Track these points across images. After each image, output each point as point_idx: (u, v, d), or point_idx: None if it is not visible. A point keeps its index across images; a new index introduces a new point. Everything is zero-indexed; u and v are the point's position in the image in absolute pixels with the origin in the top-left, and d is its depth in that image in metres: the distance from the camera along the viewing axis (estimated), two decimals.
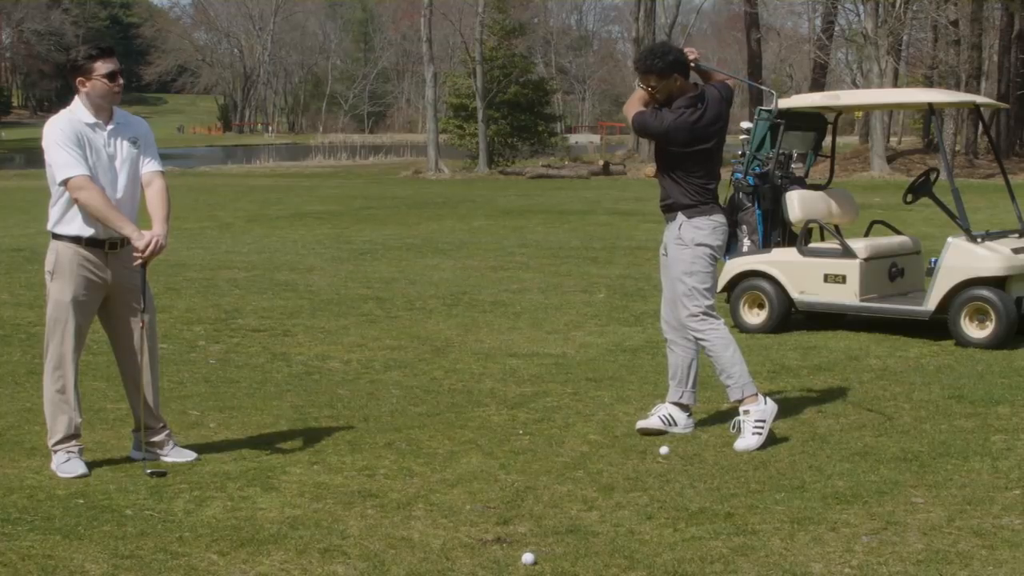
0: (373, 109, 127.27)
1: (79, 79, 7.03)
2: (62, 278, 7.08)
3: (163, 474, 6.94)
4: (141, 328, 7.14)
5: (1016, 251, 11.25)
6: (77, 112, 7.05)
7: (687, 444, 7.64)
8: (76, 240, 7.05)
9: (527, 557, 5.51)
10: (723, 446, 7.58)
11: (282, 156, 75.66)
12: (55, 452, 7.06)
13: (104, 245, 7.04)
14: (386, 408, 8.72)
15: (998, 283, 11.10)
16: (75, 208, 7.03)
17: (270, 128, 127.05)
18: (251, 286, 15.29)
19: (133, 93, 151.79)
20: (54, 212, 7.11)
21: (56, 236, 7.13)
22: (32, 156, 72.01)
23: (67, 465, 6.98)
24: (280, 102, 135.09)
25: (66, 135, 6.94)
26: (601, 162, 52.96)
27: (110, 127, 7.05)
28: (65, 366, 7.07)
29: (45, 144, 7.02)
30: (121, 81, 7.05)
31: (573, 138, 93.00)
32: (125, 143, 7.09)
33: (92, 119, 7.01)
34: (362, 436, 7.84)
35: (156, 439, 7.30)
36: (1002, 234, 11.76)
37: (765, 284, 11.98)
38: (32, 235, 22.03)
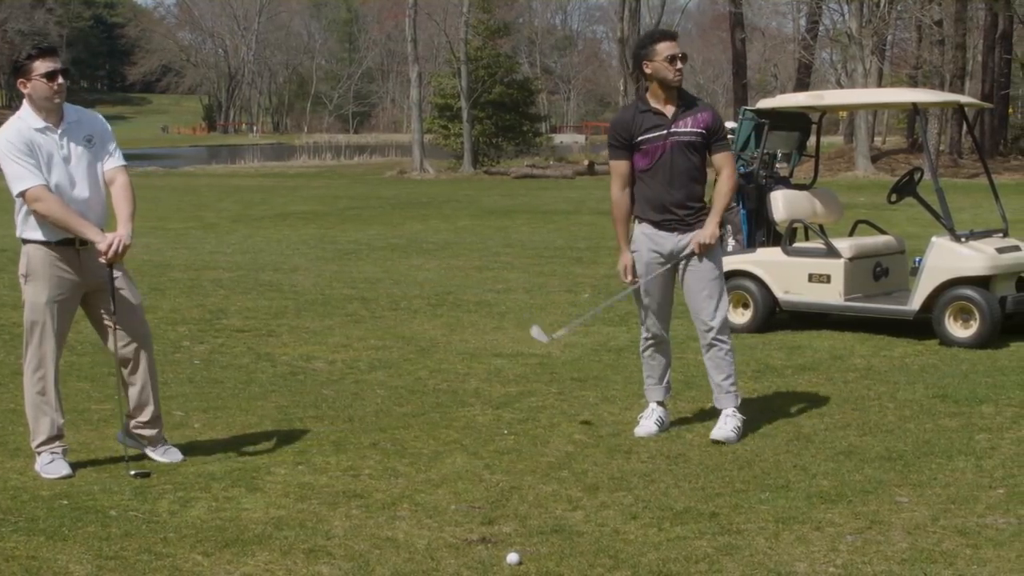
0: (358, 109, 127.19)
1: (20, 80, 6.91)
2: (36, 280, 7.00)
3: (147, 475, 6.92)
4: (113, 330, 7.09)
5: (1000, 251, 11.28)
6: (26, 118, 6.92)
7: (672, 444, 7.64)
8: (46, 243, 6.98)
9: (512, 557, 5.50)
10: (708, 446, 7.59)
11: (267, 156, 75.52)
12: (39, 453, 7.04)
13: (75, 243, 6.96)
14: (371, 408, 8.71)
15: (982, 282, 11.13)
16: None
17: (255, 128, 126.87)
18: (236, 286, 15.27)
19: (117, 93, 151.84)
20: (19, 219, 7.02)
21: (26, 241, 7.05)
22: None
23: (51, 466, 6.97)
24: (265, 102, 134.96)
25: (15, 146, 6.82)
26: (586, 162, 52.98)
27: (61, 128, 6.93)
28: (45, 367, 7.03)
29: None
30: (62, 81, 6.87)
31: (558, 138, 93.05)
32: (79, 143, 6.98)
33: (41, 123, 6.90)
34: (347, 436, 7.84)
35: (148, 433, 7.28)
36: (986, 233, 11.78)
37: (750, 284, 11.99)
38: (14, 236, 21.97)
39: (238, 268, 17.27)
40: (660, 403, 8.11)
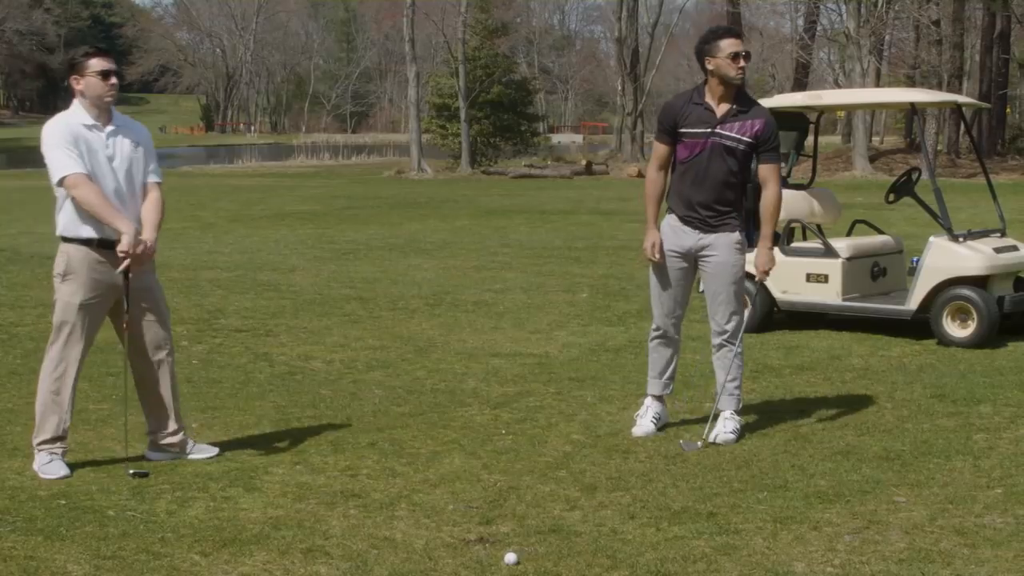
0: (356, 109, 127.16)
1: (74, 76, 7.03)
2: (73, 281, 7.00)
3: (145, 475, 6.92)
4: (124, 327, 7.11)
5: (998, 250, 11.29)
6: (75, 114, 7.03)
7: (670, 444, 7.64)
8: (87, 243, 6.98)
9: (510, 557, 5.50)
10: (706, 446, 7.58)
11: (264, 156, 75.49)
12: (38, 451, 7.03)
13: (115, 246, 6.97)
14: (369, 408, 8.71)
15: (980, 282, 11.13)
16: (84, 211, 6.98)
17: (252, 128, 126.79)
18: (233, 286, 15.26)
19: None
20: (62, 217, 7.01)
21: (66, 239, 7.03)
22: (14, 156, 71.80)
23: (50, 466, 6.97)
24: (262, 102, 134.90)
25: (62, 135, 6.91)
26: (584, 162, 53.02)
27: (109, 128, 7.03)
28: (67, 369, 7.05)
29: (43, 148, 6.97)
30: (115, 81, 7.02)
31: (556, 138, 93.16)
32: (125, 145, 7.06)
33: (90, 120, 6.99)
34: (344, 436, 7.84)
35: (175, 440, 7.31)
36: (984, 233, 11.79)
37: (747, 283, 11.96)
38: (14, 235, 21.98)
39: (236, 268, 17.26)
40: (657, 398, 8.10)
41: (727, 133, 7.62)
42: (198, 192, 38.12)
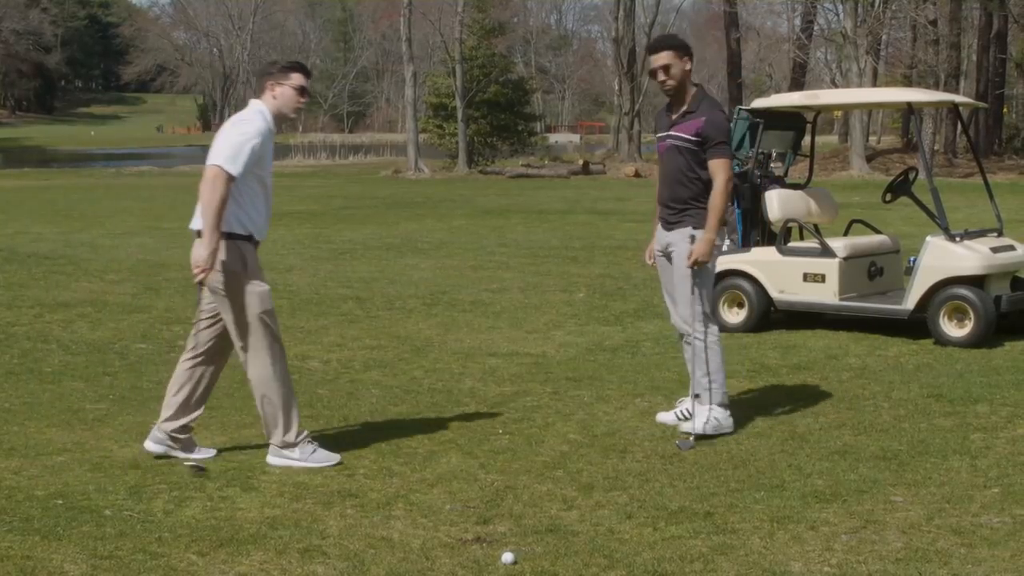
0: (353, 109, 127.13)
1: (270, 83, 7.15)
2: (254, 275, 7.12)
3: (203, 470, 6.97)
4: (195, 329, 7.29)
5: (995, 250, 11.29)
6: (267, 116, 7.13)
7: (667, 443, 7.65)
8: (249, 238, 7.11)
9: (507, 557, 5.50)
10: (703, 445, 7.59)
11: None
12: (294, 446, 7.12)
13: (253, 238, 7.11)
14: (366, 408, 8.71)
15: (977, 282, 11.14)
16: (255, 205, 7.08)
17: None
18: None
19: (112, 92, 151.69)
20: (230, 213, 7.02)
21: (232, 236, 7.06)
22: (11, 156, 71.74)
23: (317, 455, 7.14)
24: None
25: (258, 137, 7.00)
26: (581, 161, 53.00)
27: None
28: (284, 359, 7.26)
29: (235, 131, 7.02)
30: (306, 99, 7.28)
31: (553, 137, 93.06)
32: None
33: (273, 126, 7.13)
34: (342, 436, 7.83)
35: (183, 437, 7.30)
36: (981, 233, 11.79)
37: (745, 283, 11.99)
38: (11, 235, 21.98)
39: None
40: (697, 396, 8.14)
41: (676, 134, 8.00)
42: (195, 192, 38.03)
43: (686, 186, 7.95)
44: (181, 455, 7.23)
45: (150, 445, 7.29)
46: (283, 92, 7.16)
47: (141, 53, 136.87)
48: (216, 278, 7.03)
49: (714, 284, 11.97)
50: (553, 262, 18.09)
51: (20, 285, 15.13)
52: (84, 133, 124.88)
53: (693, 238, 7.88)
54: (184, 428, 7.29)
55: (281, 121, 7.24)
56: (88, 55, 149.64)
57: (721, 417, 7.88)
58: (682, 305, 8.02)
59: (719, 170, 7.87)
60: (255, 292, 7.09)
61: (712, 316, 8.11)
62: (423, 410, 8.64)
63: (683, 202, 7.96)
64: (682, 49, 7.98)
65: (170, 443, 7.25)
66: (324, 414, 8.49)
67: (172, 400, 7.32)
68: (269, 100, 7.17)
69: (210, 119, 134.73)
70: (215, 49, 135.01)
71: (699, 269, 7.89)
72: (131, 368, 10.15)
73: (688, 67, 7.96)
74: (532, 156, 61.41)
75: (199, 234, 7.04)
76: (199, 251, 6.91)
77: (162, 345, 11.21)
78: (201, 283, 6.99)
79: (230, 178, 6.87)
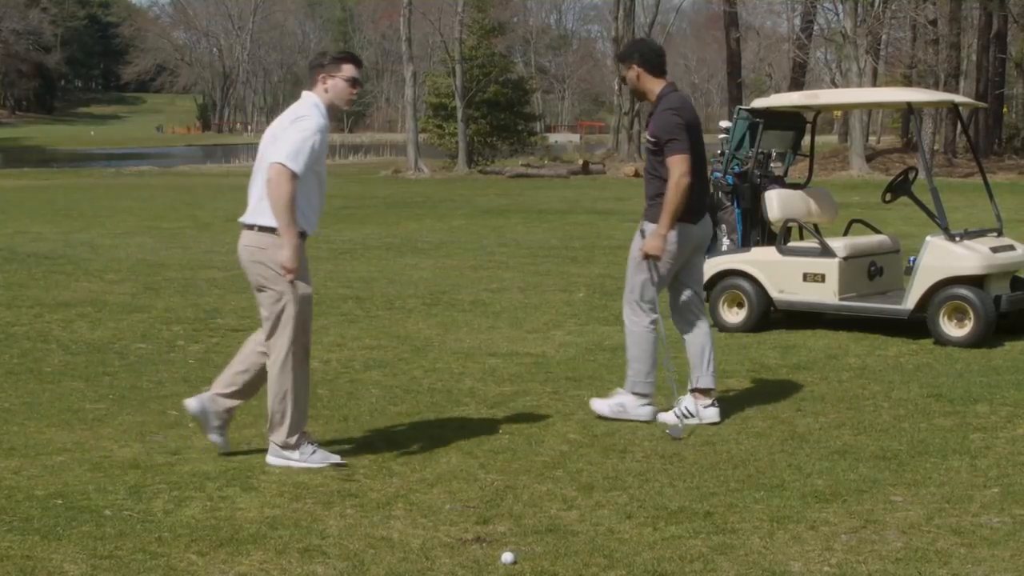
0: (352, 108, 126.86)
1: (322, 75, 7.10)
2: (303, 275, 7.09)
3: (344, 466, 7.04)
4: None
5: (994, 250, 11.29)
6: (323, 112, 7.09)
7: (667, 443, 7.65)
8: (303, 234, 7.04)
9: (507, 556, 5.50)
10: (703, 444, 7.59)
11: None
12: (293, 447, 7.11)
13: (304, 235, 7.08)
14: (365, 408, 8.71)
15: (977, 282, 11.13)
16: (309, 202, 7.05)
17: (249, 127, 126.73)
18: (230, 286, 15.24)
19: (112, 92, 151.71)
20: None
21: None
22: (11, 156, 71.72)
23: (316, 456, 7.12)
24: (259, 101, 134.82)
25: (322, 134, 6.98)
26: (581, 161, 53.04)
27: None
28: (305, 360, 7.22)
29: (296, 129, 6.97)
30: (358, 90, 7.22)
31: (553, 137, 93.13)
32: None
33: (327, 121, 7.08)
34: (342, 436, 7.83)
35: (224, 420, 7.36)
36: (980, 233, 11.79)
37: (744, 283, 11.99)
38: (10, 235, 21.98)
39: (233, 267, 17.20)
40: (700, 391, 8.31)
41: (646, 134, 8.42)
42: (195, 192, 38.11)
43: (651, 184, 8.28)
44: (212, 423, 7.28)
45: (192, 404, 7.31)
46: (335, 84, 7.12)
47: (141, 53, 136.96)
48: (263, 272, 7.04)
49: (714, 284, 12.04)
50: (553, 262, 18.09)
51: (20, 285, 15.13)
52: (84, 133, 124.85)
53: (643, 233, 8.22)
54: (229, 411, 7.34)
55: (335, 113, 7.20)
56: (88, 55, 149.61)
57: (629, 404, 8.25)
58: (626, 289, 8.43)
59: (672, 166, 8.07)
60: (298, 293, 7.07)
61: (646, 307, 8.32)
62: (423, 410, 8.64)
63: (650, 198, 8.25)
64: (624, 58, 8.46)
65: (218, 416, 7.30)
66: (324, 414, 8.48)
67: (236, 377, 7.36)
68: (321, 93, 7.13)
69: (210, 119, 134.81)
70: (215, 49, 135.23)
71: (650, 262, 8.18)
72: (131, 368, 10.15)
73: (635, 72, 8.27)
74: (532, 156, 61.46)
75: (249, 228, 7.06)
76: (282, 254, 6.89)
77: (162, 345, 11.20)
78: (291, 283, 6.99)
79: (293, 176, 6.85)
